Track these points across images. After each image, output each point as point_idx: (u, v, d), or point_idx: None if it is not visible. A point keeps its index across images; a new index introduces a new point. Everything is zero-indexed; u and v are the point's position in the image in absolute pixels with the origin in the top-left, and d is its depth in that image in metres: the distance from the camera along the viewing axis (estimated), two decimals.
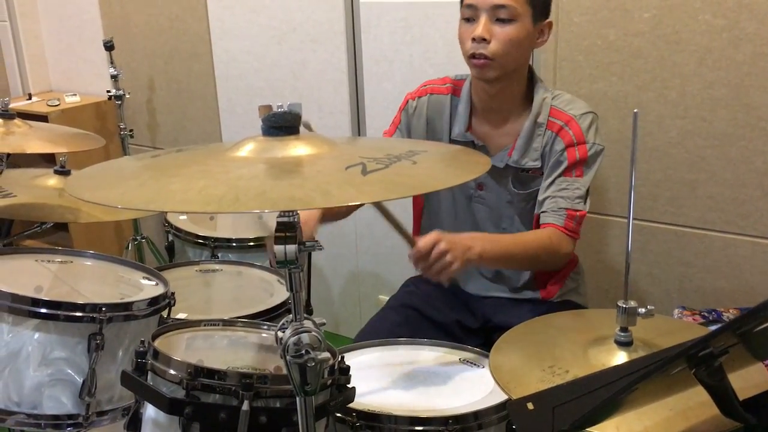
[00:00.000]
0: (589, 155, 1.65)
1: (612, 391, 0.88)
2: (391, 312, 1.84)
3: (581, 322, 1.43)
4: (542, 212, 1.67)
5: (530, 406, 0.96)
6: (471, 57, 1.61)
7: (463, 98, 1.76)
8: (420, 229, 1.89)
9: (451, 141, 1.76)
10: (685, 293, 2.14)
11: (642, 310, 1.18)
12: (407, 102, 1.83)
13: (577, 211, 1.64)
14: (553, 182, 1.67)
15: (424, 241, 1.47)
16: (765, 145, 1.92)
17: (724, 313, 1.87)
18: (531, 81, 1.72)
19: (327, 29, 2.58)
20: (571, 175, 1.66)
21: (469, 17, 1.62)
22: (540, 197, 1.69)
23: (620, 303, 1.18)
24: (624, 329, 1.19)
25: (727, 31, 1.89)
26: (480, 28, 1.58)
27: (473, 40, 1.59)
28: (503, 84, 1.66)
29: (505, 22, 1.59)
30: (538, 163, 1.69)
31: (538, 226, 1.68)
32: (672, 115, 2.02)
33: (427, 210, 1.88)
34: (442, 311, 1.81)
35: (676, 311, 1.94)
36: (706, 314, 1.88)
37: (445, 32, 2.33)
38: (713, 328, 1.27)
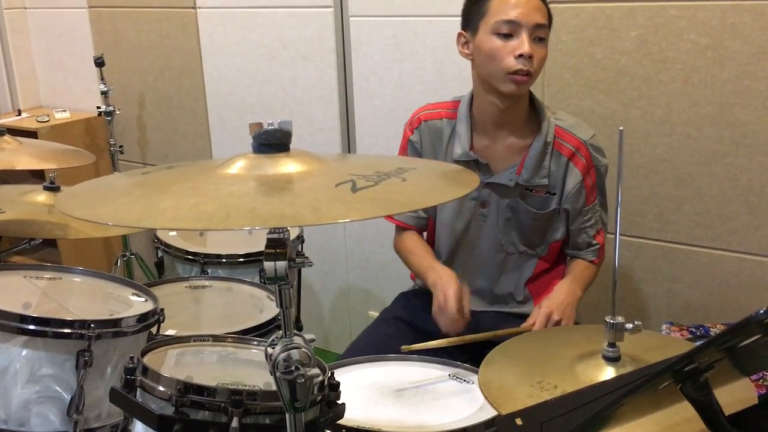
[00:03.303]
0: (597, 179, 1.76)
1: (600, 406, 0.88)
2: (383, 324, 1.84)
3: (569, 337, 1.44)
4: (577, 249, 1.81)
5: (519, 421, 0.96)
6: (513, 73, 1.61)
7: (461, 118, 1.76)
8: (433, 248, 1.90)
9: (453, 162, 1.77)
10: (673, 309, 2.15)
11: (629, 326, 1.19)
12: (409, 139, 1.84)
13: (602, 233, 1.81)
14: (579, 213, 1.77)
15: (538, 323, 1.65)
16: (750, 162, 1.94)
17: (711, 329, 1.88)
18: (530, 99, 1.75)
19: (317, 46, 2.60)
20: (590, 202, 1.77)
21: (508, 33, 1.61)
22: (571, 226, 1.79)
23: (608, 318, 1.19)
24: (612, 344, 1.20)
25: (711, 49, 1.92)
26: (527, 45, 1.59)
27: (520, 56, 1.60)
28: (516, 99, 1.68)
29: (540, 42, 1.63)
30: (545, 181, 1.73)
31: (559, 249, 1.84)
32: (658, 132, 2.05)
33: (436, 232, 1.89)
34: (434, 325, 1.82)
35: (663, 327, 1.95)
36: (693, 330, 1.89)
37: (435, 49, 2.35)
38: (700, 343, 1.28)
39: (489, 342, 1.65)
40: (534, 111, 1.75)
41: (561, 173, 1.72)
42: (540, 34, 1.62)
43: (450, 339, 1.65)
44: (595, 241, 1.80)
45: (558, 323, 1.64)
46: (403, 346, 1.61)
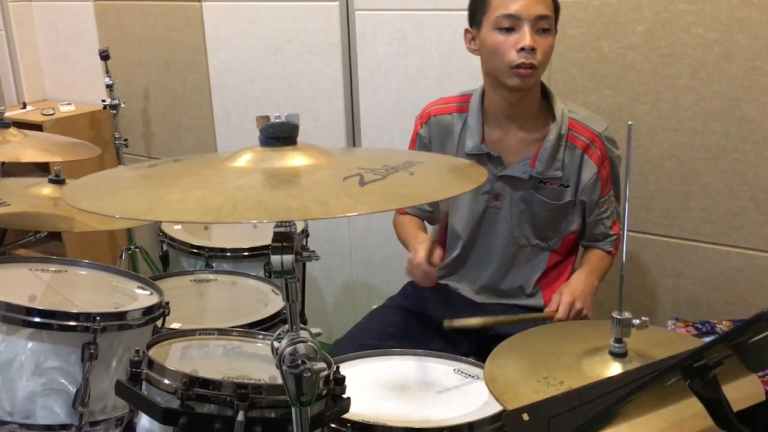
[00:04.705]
0: (610, 170, 1.77)
1: (607, 402, 0.88)
2: (387, 311, 1.86)
3: (576, 332, 1.44)
4: (595, 240, 1.82)
5: (525, 417, 0.96)
6: (517, 67, 1.61)
7: (473, 111, 1.76)
8: (445, 242, 1.89)
9: (466, 156, 1.76)
10: (678, 305, 2.14)
11: (636, 322, 1.19)
12: (418, 132, 1.85)
13: (618, 223, 1.83)
14: (596, 204, 1.77)
15: (562, 310, 1.63)
16: (757, 158, 1.94)
17: (717, 325, 1.88)
18: (543, 91, 1.75)
19: (322, 40, 2.59)
20: (605, 193, 1.78)
21: (509, 27, 1.61)
22: (587, 218, 1.79)
23: (615, 314, 1.19)
24: (619, 340, 1.20)
25: (719, 44, 1.91)
26: (528, 38, 1.59)
27: (522, 50, 1.59)
28: (526, 91, 1.68)
29: (545, 32, 1.62)
30: (559, 173, 1.73)
31: (573, 241, 1.84)
32: (665, 127, 2.04)
33: (448, 224, 1.88)
34: (438, 313, 1.82)
35: (669, 323, 1.95)
36: (699, 326, 1.88)
37: (440, 44, 2.35)
38: (707, 339, 1.28)
39: (493, 336, 1.64)
40: (547, 103, 1.75)
41: (575, 166, 1.73)
42: (543, 25, 1.61)
43: (485, 319, 1.64)
44: (612, 232, 1.81)
45: (580, 312, 1.64)
46: (445, 321, 1.62)
